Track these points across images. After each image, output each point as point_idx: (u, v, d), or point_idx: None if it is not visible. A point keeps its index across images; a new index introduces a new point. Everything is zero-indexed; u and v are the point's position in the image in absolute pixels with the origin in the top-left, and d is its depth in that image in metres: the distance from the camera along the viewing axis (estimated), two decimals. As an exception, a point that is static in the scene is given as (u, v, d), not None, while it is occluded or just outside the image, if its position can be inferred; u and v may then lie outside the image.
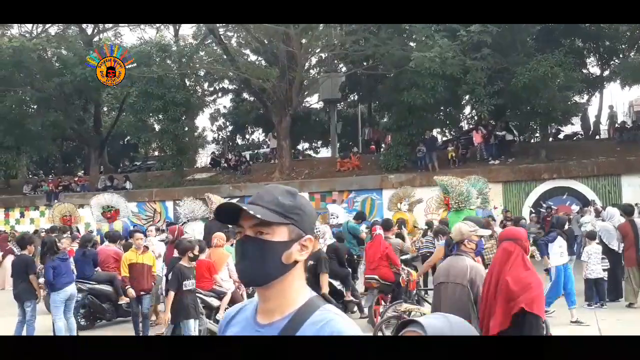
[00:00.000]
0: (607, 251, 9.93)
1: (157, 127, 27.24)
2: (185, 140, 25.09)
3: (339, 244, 9.88)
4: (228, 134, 39.32)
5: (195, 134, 42.97)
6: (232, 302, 7.79)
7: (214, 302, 7.58)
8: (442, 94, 19.22)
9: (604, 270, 9.59)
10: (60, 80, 23.69)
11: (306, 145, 37.53)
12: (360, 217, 11.55)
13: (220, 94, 36.01)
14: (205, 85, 34.44)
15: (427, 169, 20.51)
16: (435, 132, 28.64)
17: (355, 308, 9.82)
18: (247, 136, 39.40)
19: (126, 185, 24.49)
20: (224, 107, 38.27)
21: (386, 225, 9.25)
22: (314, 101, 35.44)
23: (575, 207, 17.79)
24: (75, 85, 23.90)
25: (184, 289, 6.61)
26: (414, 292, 7.09)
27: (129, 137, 36.78)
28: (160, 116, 24.26)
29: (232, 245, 9.57)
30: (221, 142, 39.63)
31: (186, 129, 24.90)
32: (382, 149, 24.81)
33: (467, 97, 21.90)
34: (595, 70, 25.88)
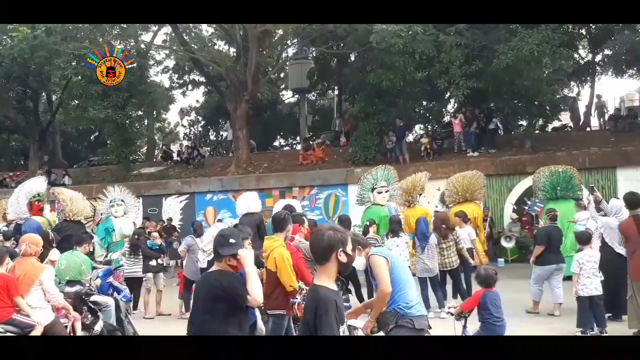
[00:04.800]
0: (611, 256, 7.50)
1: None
2: (131, 131, 22.38)
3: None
4: (200, 129, 36.93)
5: (167, 129, 41.00)
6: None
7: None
8: (412, 74, 16.78)
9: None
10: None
11: (282, 141, 35.03)
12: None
13: (190, 87, 33.97)
14: (175, 77, 32.52)
15: (398, 161, 18.12)
16: (418, 128, 26.29)
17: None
18: (221, 132, 36.95)
19: (65, 180, 21.84)
20: (197, 101, 36.05)
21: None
22: (288, 95, 33.06)
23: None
24: (4, 68, 20.96)
25: None
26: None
27: (97, 133, 33.97)
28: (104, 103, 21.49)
29: (86, 249, 7.02)
30: (192, 138, 37.26)
31: (132, 117, 22.18)
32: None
33: (441, 80, 19.33)
34: (585, 55, 23.65)
